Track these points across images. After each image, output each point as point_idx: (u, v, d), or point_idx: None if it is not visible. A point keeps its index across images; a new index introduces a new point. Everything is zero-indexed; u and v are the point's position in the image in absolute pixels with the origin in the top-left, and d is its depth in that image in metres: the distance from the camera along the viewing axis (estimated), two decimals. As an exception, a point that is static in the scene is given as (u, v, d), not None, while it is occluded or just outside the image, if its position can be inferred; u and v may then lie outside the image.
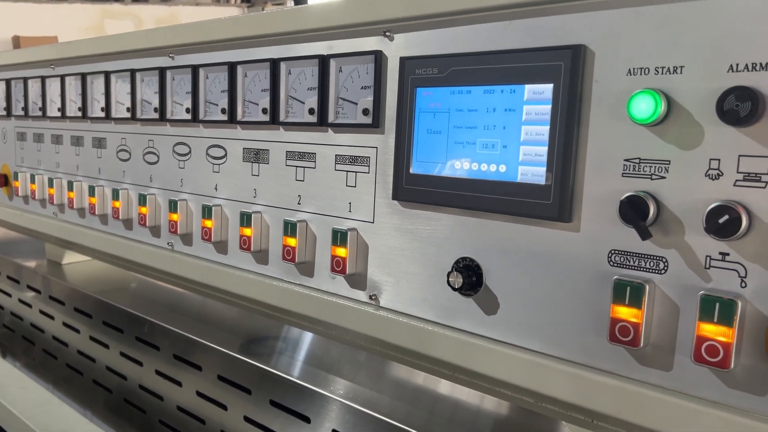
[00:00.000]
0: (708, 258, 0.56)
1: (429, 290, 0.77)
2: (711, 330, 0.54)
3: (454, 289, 0.73)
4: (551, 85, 0.65)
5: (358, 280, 0.85)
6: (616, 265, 0.61)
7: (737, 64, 0.53)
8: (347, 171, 0.85)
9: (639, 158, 0.60)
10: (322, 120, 0.87)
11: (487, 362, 0.71)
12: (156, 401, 1.32)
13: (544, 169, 0.65)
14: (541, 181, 0.66)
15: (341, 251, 0.84)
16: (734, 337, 0.54)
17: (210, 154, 1.06)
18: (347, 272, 0.84)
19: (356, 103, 0.83)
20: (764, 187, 0.53)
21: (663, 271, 0.58)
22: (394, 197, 0.79)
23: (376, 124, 0.81)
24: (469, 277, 0.72)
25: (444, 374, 0.79)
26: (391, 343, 0.81)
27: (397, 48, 0.79)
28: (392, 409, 0.92)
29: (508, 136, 0.68)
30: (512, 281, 0.70)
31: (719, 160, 0.55)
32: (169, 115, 1.13)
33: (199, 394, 1.21)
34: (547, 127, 0.65)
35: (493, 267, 0.71)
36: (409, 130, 0.77)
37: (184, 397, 1.25)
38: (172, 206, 1.12)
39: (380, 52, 0.80)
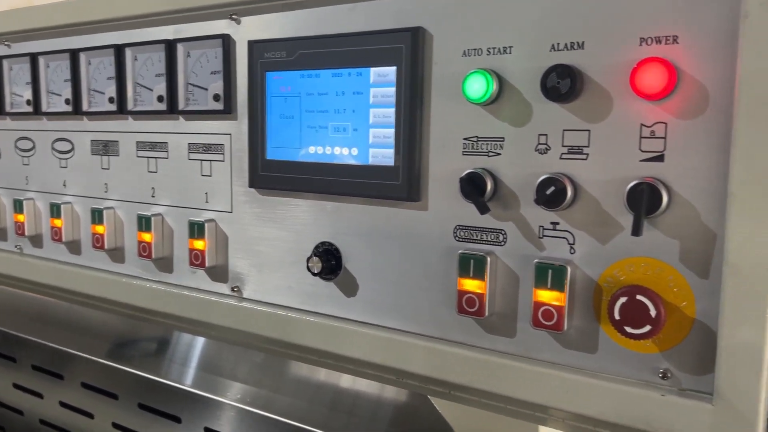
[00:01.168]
0: (541, 228, 0.59)
1: (292, 277, 0.77)
2: (546, 295, 0.58)
3: (314, 274, 0.73)
4: (394, 68, 0.65)
5: (219, 273, 0.83)
6: (461, 239, 0.64)
7: (558, 44, 0.57)
8: (201, 160, 0.83)
9: (476, 137, 0.62)
10: (172, 107, 0.83)
11: (348, 344, 0.72)
12: (16, 416, 1.23)
13: (393, 150, 0.66)
14: (390, 162, 0.67)
15: (199, 244, 0.82)
16: (566, 300, 0.57)
17: (56, 149, 0.99)
18: (207, 265, 0.82)
19: (206, 89, 0.80)
20: (586, 159, 0.57)
21: (503, 243, 0.61)
22: (251, 185, 0.77)
23: (228, 110, 0.79)
24: (328, 261, 0.72)
25: (312, 360, 0.79)
26: (256, 334, 0.80)
27: (245, 31, 0.77)
28: (293, 408, 0.90)
29: (358, 120, 0.69)
30: (370, 262, 0.70)
31: (546, 135, 0.58)
32: (8, 108, 1.04)
33: (62, 404, 1.14)
34: (393, 110, 0.66)
35: (351, 250, 0.72)
36: (262, 116, 0.75)
37: (46, 409, 1.17)
38: (18, 206, 1.03)
39: (228, 35, 0.78)
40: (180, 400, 0.97)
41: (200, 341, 1.13)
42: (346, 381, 1.00)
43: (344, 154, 0.70)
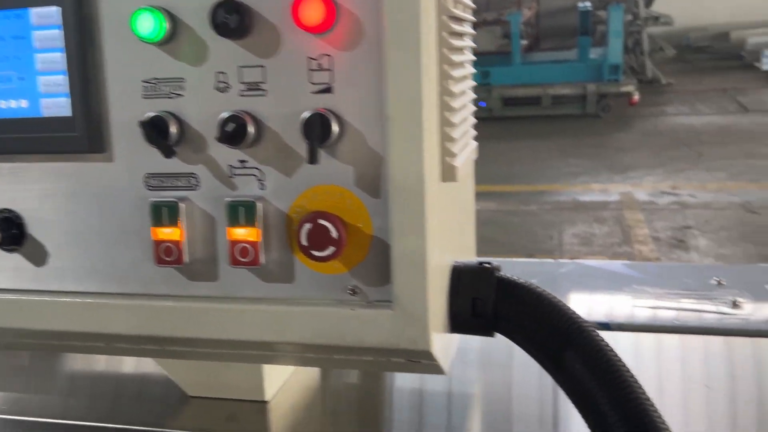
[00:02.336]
0: (230, 167, 0.59)
1: (-29, 255, 0.67)
2: (240, 233, 0.58)
3: (-7, 246, 0.64)
4: (58, 8, 0.60)
5: None
6: (153, 188, 0.61)
7: (224, -21, 0.56)
8: None
9: (156, 78, 0.59)
10: None
11: (47, 318, 0.65)
12: None
13: (68, 99, 0.61)
14: (67, 113, 0.61)
15: None
16: (260, 235, 0.58)
17: None
18: None
19: None
20: (264, 95, 0.58)
21: (196, 187, 0.60)
22: None
23: None
24: (8, 230, 0.65)
25: (21, 345, 0.71)
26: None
27: None
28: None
29: (23, 67, 0.62)
30: (58, 226, 0.64)
31: (225, 73, 0.58)
32: None
33: None
34: (63, 54, 0.60)
35: (35, 214, 0.65)
36: None
37: None
38: None
39: None
40: None
41: None
42: (129, 365, 0.91)
43: (12, 107, 0.62)
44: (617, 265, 1.15)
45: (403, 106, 0.54)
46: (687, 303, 0.99)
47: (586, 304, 1.01)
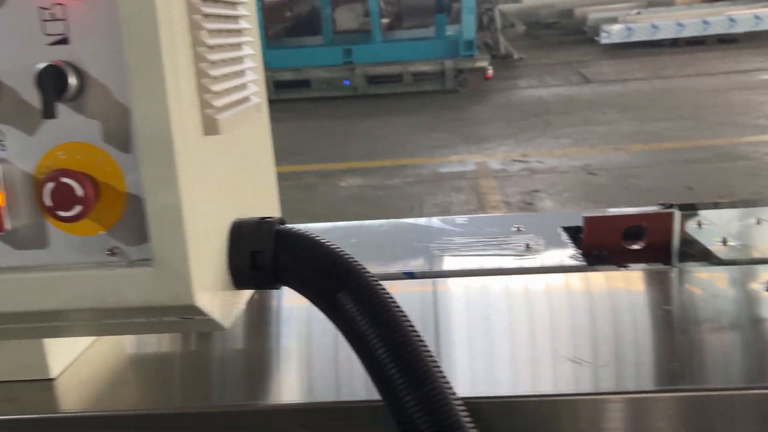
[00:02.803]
0: (-36, 129, 0.55)
1: None
2: (-21, 198, 0.54)
3: None
4: None
5: None
6: None
7: None
8: None
9: None
10: None
11: None
12: None
13: None
14: None
15: None
16: (3, 199, 0.55)
17: None
18: None
19: None
20: None
21: (-73, 152, 0.55)
22: None
23: None
24: None
25: None
26: None
27: None
28: None
29: None
30: None
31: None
32: None
33: None
34: None
35: None
36: None
37: None
38: None
39: None
40: None
41: None
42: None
43: None
44: (433, 220, 1.21)
45: (141, 56, 0.52)
46: (488, 249, 1.06)
47: (398, 257, 1.05)
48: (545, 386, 0.67)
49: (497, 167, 5.43)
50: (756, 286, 0.89)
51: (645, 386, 0.68)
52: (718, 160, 5.14)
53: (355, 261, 0.62)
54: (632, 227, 1.08)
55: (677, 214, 1.07)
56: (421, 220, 1.22)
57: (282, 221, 0.66)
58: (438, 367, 0.58)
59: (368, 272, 0.62)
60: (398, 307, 0.60)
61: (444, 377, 0.58)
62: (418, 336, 0.59)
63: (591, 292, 0.92)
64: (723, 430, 0.66)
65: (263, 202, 0.80)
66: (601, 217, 1.07)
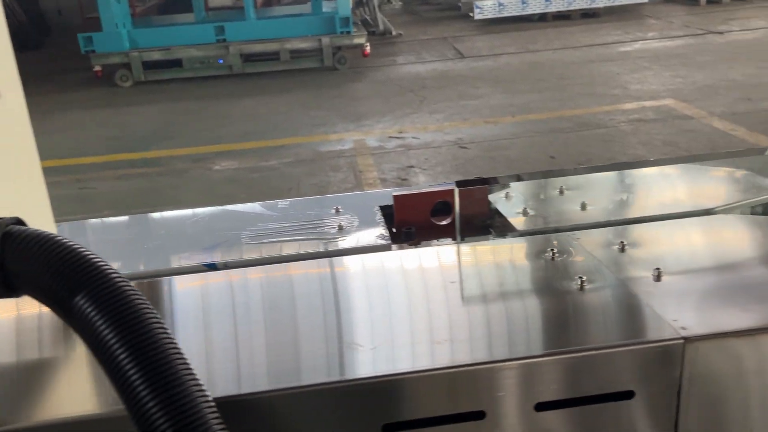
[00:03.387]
0: None
1: None
2: None
3: None
4: None
5: None
6: None
7: None
8: None
9: None
10: None
11: None
12: None
13: None
14: None
15: None
16: None
17: None
18: None
19: None
20: None
21: None
22: None
23: None
24: None
25: None
26: None
27: None
28: None
29: None
30: None
31: None
32: None
33: None
34: None
35: None
36: None
37: None
38: None
39: None
40: None
41: None
42: None
43: None
44: (254, 206, 1.19)
45: None
46: (300, 234, 1.06)
47: (205, 248, 1.02)
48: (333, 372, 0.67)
49: (374, 144, 5.48)
50: (543, 255, 0.94)
51: (421, 365, 0.69)
52: (579, 129, 5.46)
53: (99, 262, 0.59)
54: (441, 203, 1.11)
55: (480, 189, 1.11)
56: (241, 206, 1.19)
57: (17, 221, 0.61)
58: (187, 367, 0.56)
59: (112, 273, 0.59)
60: (147, 308, 0.58)
61: (193, 378, 0.56)
62: (167, 337, 0.57)
63: (386, 270, 0.93)
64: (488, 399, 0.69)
65: (17, 200, 0.74)
66: (409, 195, 1.10)
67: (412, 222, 1.09)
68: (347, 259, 0.95)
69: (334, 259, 0.95)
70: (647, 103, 5.95)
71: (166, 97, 7.14)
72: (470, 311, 0.80)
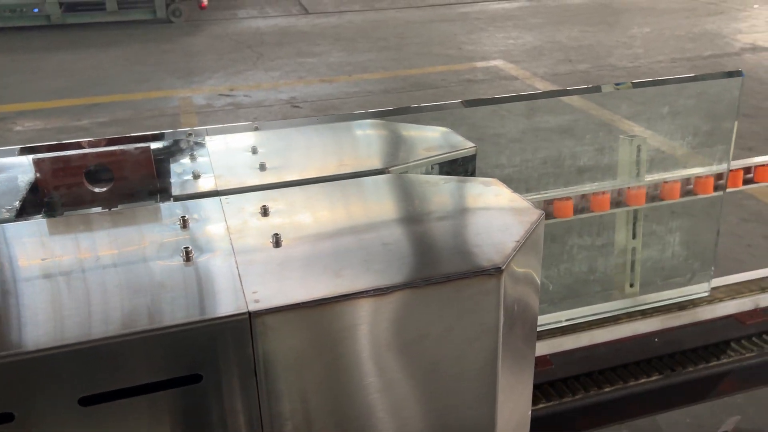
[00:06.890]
0: None
1: None
2: None
3: None
4: None
5: None
6: None
7: None
8: None
9: None
10: None
11: None
12: None
13: None
14: None
15: None
16: None
17: None
18: None
19: None
20: None
21: None
22: None
23: None
24: None
25: None
26: None
27: None
28: None
29: None
30: None
31: None
32: None
33: None
34: None
35: None
36: None
37: None
38: None
39: None
40: None
41: None
42: None
43: None
44: None
45: None
46: None
47: None
48: None
49: (202, 102, 5.18)
50: (172, 224, 0.84)
51: None
52: (412, 89, 5.49)
53: None
54: (98, 167, 0.99)
55: (143, 150, 1.00)
56: None
57: None
58: None
59: None
60: None
61: None
62: None
63: None
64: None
65: None
66: (53, 158, 0.96)
67: (61, 188, 0.96)
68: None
69: None
70: (479, 64, 6.11)
71: (-34, 49, 6.31)
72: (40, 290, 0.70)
